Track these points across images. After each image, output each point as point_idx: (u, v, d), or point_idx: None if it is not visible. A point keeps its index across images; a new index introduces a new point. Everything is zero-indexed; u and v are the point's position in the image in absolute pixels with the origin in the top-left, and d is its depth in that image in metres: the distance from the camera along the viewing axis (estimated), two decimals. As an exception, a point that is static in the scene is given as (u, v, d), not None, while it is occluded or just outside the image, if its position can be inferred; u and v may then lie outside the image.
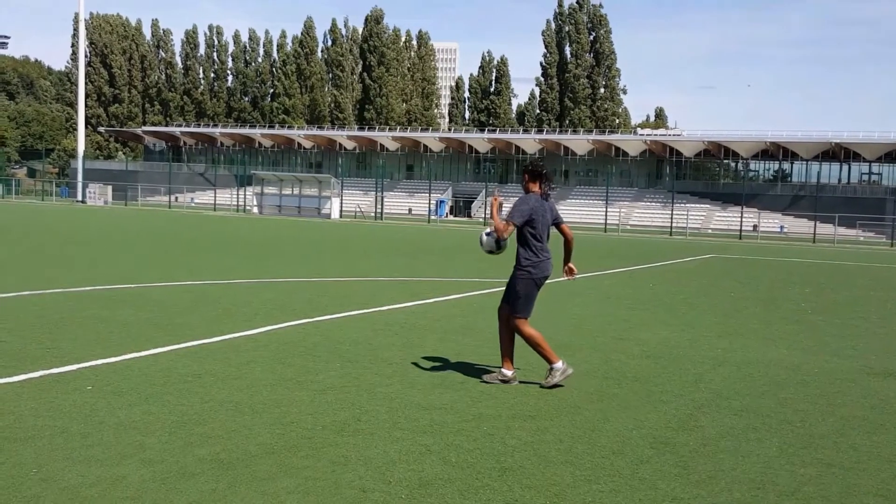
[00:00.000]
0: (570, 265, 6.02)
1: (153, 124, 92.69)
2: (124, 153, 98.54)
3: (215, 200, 60.99)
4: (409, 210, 70.70)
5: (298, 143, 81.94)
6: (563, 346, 7.02)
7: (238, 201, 56.29)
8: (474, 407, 4.98)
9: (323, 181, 52.58)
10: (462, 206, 73.21)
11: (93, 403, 4.59)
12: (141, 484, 3.33)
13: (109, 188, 62.29)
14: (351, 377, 5.60)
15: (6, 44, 79.62)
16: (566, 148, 73.53)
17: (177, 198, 68.61)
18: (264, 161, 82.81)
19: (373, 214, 53.50)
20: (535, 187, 5.66)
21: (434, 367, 6.10)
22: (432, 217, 53.90)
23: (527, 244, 5.59)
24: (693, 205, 64.01)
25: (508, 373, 5.69)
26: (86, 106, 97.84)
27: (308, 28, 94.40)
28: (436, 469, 3.74)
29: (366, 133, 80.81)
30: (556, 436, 4.37)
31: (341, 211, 52.17)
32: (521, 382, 5.74)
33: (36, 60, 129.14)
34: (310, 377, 5.53)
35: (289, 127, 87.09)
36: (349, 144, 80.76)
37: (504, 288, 5.79)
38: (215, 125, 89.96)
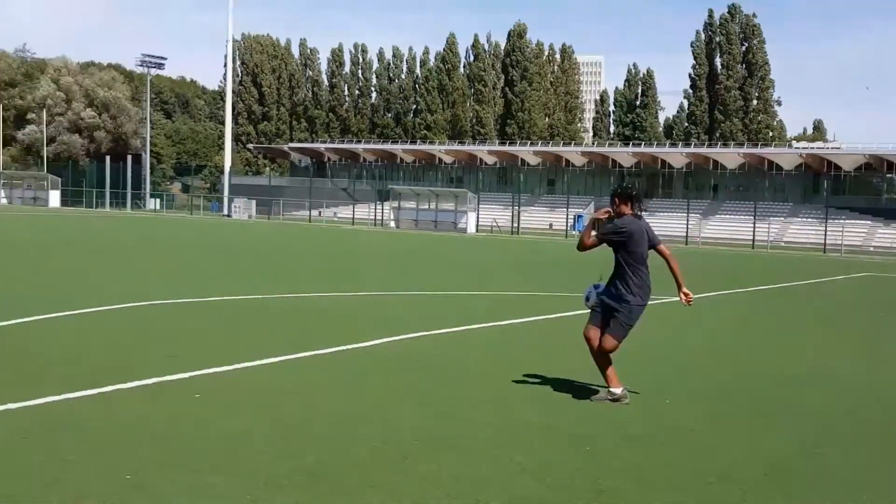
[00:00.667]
0: (685, 290, 5.79)
1: (300, 141, 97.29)
2: (272, 169, 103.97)
3: (354, 215, 62.04)
4: (550, 225, 70.29)
5: (439, 159, 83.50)
6: (689, 365, 6.73)
7: (377, 215, 57.49)
8: (580, 426, 4.86)
9: (459, 196, 53.14)
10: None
11: (198, 412, 4.82)
12: (227, 493, 3.44)
13: (253, 203, 65.48)
14: (457, 392, 5.61)
15: (163, 65, 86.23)
16: (715, 162, 71.08)
17: (320, 212, 71.08)
18: (405, 176, 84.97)
19: (509, 229, 53.46)
20: (627, 209, 5.60)
21: (543, 384, 6.01)
22: (571, 232, 53.06)
23: (635, 269, 5.46)
24: (852, 221, 59.95)
25: (617, 390, 5.52)
26: (236, 124, 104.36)
27: (450, 44, 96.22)
28: (528, 489, 3.66)
29: (506, 148, 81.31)
30: (663, 459, 4.19)
31: (477, 225, 52.31)
32: (631, 402, 5.54)
33: (191, 80, 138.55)
34: (417, 391, 5.58)
35: (430, 142, 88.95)
36: (490, 159, 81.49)
37: (592, 312, 5.63)
38: (358, 141, 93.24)
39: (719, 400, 5.72)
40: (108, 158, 67.45)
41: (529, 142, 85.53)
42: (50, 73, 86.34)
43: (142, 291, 10.55)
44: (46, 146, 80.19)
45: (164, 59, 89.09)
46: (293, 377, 5.85)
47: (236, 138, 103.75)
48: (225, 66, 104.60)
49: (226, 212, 63.38)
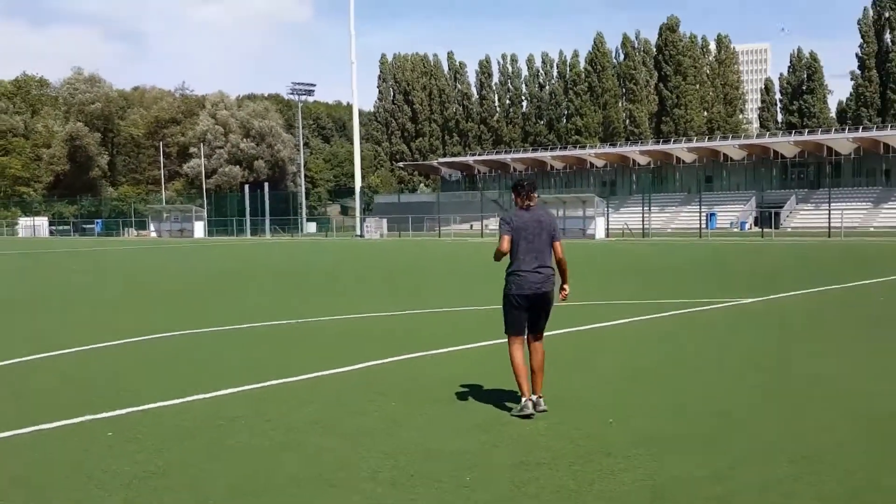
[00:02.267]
0: (564, 286, 6.43)
1: (453, 155, 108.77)
2: (426, 185, 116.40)
3: (483, 227, 67.52)
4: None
5: (590, 163, 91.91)
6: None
7: None
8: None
9: (586, 200, 58.33)
10: (767, 217, 75.87)
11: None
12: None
13: (384, 221, 71.64)
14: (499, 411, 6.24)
15: (312, 91, 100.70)
16: (887, 145, 74.25)
17: (471, 225, 78.07)
18: (556, 183, 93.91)
19: (640, 232, 57.03)
20: (519, 201, 6.28)
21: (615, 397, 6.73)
22: (705, 231, 56.12)
23: (511, 260, 6.11)
24: None
25: (523, 399, 6.03)
26: (390, 143, 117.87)
27: (598, 44, 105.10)
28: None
29: (660, 147, 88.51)
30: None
31: (607, 230, 57.19)
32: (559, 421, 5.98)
33: (347, 104, 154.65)
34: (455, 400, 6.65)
35: (581, 147, 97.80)
36: (642, 160, 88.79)
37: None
38: (509, 151, 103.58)
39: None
40: (246, 187, 77.84)
41: (685, 138, 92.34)
42: (208, 108, 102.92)
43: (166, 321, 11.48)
44: (208, 178, 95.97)
45: (314, 85, 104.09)
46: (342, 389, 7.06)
47: (391, 157, 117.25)
48: (380, 87, 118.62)
49: (358, 232, 67.89)
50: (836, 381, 7.43)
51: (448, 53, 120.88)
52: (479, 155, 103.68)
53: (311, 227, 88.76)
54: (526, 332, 6.21)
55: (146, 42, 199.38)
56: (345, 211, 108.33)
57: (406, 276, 22.69)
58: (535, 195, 6.36)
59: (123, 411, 6.62)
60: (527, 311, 6.10)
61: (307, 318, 12.25)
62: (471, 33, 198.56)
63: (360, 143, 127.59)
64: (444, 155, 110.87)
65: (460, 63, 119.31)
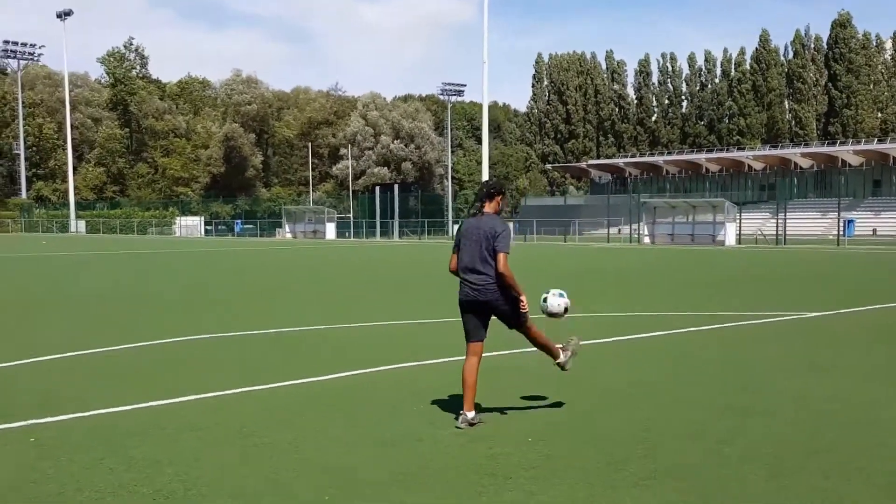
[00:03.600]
0: (520, 298, 6.72)
1: (606, 157, 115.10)
2: (577, 188, 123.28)
3: (608, 232, 69.77)
4: (874, 231, 77.64)
5: (748, 166, 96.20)
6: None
7: (642, 231, 62.93)
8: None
9: (717, 206, 57.99)
10: None
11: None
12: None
13: (510, 225, 77.39)
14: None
15: (462, 92, 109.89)
16: None
17: (619, 230, 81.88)
18: (711, 186, 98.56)
19: (774, 238, 57.39)
20: (477, 205, 6.85)
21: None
22: (842, 237, 56.65)
23: None
24: None
25: (469, 414, 6.57)
26: (543, 143, 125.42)
27: (763, 42, 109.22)
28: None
29: (823, 149, 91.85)
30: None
31: (739, 236, 56.75)
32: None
33: (504, 105, 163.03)
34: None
35: (740, 148, 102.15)
36: (805, 162, 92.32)
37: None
38: (661, 153, 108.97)
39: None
40: (377, 189, 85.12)
41: (851, 140, 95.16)
42: (359, 109, 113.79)
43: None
44: (357, 179, 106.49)
45: (464, 86, 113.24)
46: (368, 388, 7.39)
47: (543, 158, 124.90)
48: (535, 87, 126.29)
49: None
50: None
51: (606, 52, 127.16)
52: (632, 157, 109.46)
53: (453, 230, 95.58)
54: (477, 339, 6.63)
55: (313, 43, 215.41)
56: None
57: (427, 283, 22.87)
58: (498, 200, 6.76)
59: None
60: (470, 317, 6.62)
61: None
62: (630, 32, 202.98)
63: (508, 145, 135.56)
64: (598, 157, 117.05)
65: (619, 62, 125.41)
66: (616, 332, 12.21)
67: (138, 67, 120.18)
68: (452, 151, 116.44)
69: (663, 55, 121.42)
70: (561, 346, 7.12)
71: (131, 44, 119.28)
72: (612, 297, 18.59)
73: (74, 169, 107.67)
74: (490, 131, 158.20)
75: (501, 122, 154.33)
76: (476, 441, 6.33)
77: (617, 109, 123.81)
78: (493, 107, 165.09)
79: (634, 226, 68.53)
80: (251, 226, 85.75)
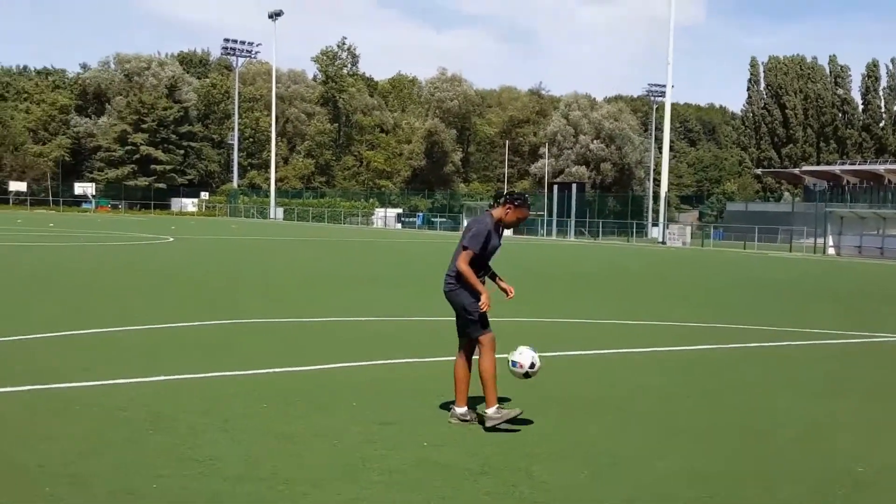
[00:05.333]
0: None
1: (827, 163, 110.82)
2: (793, 194, 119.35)
3: (791, 242, 66.96)
4: None
5: None
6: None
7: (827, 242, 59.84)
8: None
9: None
10: None
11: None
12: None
13: (688, 229, 73.88)
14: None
15: (664, 93, 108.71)
16: None
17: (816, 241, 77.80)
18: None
19: None
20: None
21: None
22: None
23: None
24: None
25: (459, 410, 6.85)
26: (758, 148, 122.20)
27: None
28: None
29: None
30: None
31: None
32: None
33: (720, 106, 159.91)
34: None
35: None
36: None
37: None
38: (886, 161, 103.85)
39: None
40: (555, 188, 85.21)
41: None
42: (561, 109, 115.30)
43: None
44: (556, 178, 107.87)
45: (672, 87, 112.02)
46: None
47: (757, 163, 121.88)
48: (750, 90, 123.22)
49: (660, 238, 69.30)
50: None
51: (830, 57, 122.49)
52: (851, 164, 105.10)
53: (656, 232, 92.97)
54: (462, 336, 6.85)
55: (526, 43, 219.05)
56: (701, 217, 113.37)
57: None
58: (506, 209, 6.83)
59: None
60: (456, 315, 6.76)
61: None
62: (855, 36, 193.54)
63: (723, 148, 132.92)
64: (818, 163, 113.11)
65: (842, 67, 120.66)
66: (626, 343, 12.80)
67: (349, 66, 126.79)
68: (648, 155, 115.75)
69: (893, 60, 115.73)
70: (500, 405, 6.75)
71: (343, 43, 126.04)
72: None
73: (286, 160, 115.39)
74: (705, 133, 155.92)
75: (717, 124, 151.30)
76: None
77: (840, 115, 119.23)
78: (710, 109, 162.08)
79: (820, 238, 65.87)
80: (444, 218, 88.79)
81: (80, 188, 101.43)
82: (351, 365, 9.38)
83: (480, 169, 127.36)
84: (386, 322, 13.33)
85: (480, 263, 6.78)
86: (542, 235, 75.39)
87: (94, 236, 39.48)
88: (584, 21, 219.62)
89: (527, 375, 6.83)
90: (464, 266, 6.61)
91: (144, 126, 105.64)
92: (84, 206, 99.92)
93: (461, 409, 6.79)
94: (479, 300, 6.61)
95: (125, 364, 8.94)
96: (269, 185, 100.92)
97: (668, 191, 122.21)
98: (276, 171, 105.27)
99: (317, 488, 5.27)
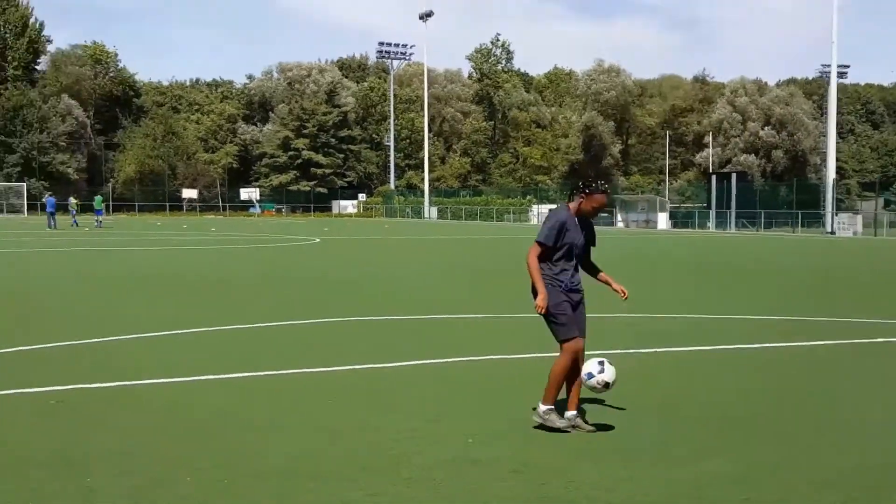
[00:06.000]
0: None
1: None
2: None
3: None
4: None
5: None
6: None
7: None
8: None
9: None
10: None
11: None
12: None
13: (858, 218, 70.22)
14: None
15: (845, 74, 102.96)
16: None
17: None
18: None
19: None
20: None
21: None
22: None
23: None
24: None
25: (542, 407, 6.54)
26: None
27: None
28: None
29: None
30: None
31: None
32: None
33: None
34: None
35: None
36: None
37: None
38: None
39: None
40: (713, 178, 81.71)
41: None
42: (727, 96, 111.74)
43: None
44: (722, 167, 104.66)
45: (846, 66, 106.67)
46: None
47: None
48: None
49: (829, 228, 65.94)
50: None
51: None
52: None
53: (843, 220, 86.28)
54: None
55: (693, 30, 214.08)
56: (887, 204, 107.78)
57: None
58: (579, 201, 6.56)
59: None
60: None
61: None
62: None
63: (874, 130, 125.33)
64: None
65: None
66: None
67: (503, 62, 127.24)
68: (842, 137, 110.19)
69: None
70: (554, 410, 6.51)
71: (497, 39, 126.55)
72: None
73: (442, 159, 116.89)
74: (889, 115, 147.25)
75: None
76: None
77: None
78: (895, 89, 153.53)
79: None
80: (603, 214, 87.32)
81: (245, 193, 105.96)
82: (437, 362, 9.52)
83: (641, 161, 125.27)
84: (497, 319, 13.40)
85: (567, 259, 6.51)
86: (707, 228, 73.43)
87: (248, 239, 41.21)
88: (755, 2, 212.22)
89: (605, 387, 6.47)
90: (530, 260, 6.44)
91: (305, 132, 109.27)
92: (251, 210, 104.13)
93: (569, 413, 6.55)
94: (555, 301, 6.40)
95: (212, 361, 9.36)
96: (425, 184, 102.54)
97: (848, 178, 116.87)
98: (432, 171, 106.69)
99: (341, 483, 5.37)
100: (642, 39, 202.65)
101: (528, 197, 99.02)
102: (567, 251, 6.47)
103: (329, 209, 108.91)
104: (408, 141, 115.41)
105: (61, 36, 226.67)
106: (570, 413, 6.50)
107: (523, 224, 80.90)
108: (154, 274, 21.22)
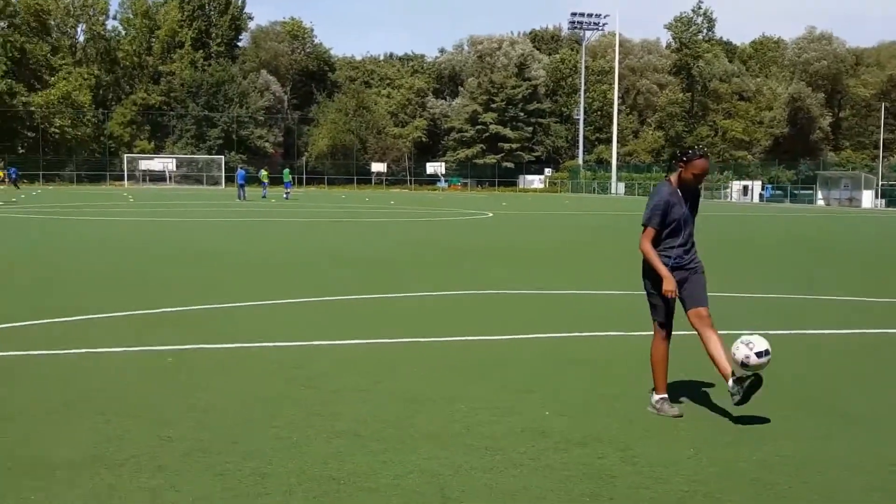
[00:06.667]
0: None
1: None
2: None
3: None
4: None
5: None
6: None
7: None
8: None
9: None
10: None
11: None
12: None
13: None
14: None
15: None
16: None
17: None
18: None
19: None
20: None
21: None
22: None
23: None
24: None
25: (654, 397, 6.42)
26: None
27: None
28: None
29: None
30: None
31: None
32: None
33: None
34: None
35: None
36: None
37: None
38: None
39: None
40: None
41: None
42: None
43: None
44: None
45: None
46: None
47: None
48: None
49: None
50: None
51: None
52: None
53: None
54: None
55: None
56: None
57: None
58: (679, 172, 6.28)
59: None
60: None
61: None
62: None
63: None
64: None
65: None
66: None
67: (705, 31, 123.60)
68: None
69: None
70: (666, 400, 6.40)
71: (699, 7, 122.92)
72: None
73: (636, 133, 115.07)
74: None
75: None
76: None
77: None
78: None
79: None
80: (807, 190, 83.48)
81: (431, 168, 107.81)
82: (555, 336, 9.50)
83: (853, 135, 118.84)
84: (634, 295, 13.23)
85: (674, 236, 6.25)
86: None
87: (419, 213, 41.95)
88: None
89: (751, 362, 5.99)
90: (644, 246, 6.25)
91: (494, 105, 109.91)
92: (438, 185, 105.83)
93: (656, 397, 6.38)
94: (657, 280, 6.25)
95: (331, 328, 9.74)
96: (618, 159, 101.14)
97: None
98: (624, 145, 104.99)
99: (401, 447, 5.53)
100: (858, 4, 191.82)
101: (726, 173, 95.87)
102: (674, 229, 6.23)
103: (514, 184, 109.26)
104: (599, 114, 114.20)
105: (261, 12, 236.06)
106: (657, 397, 6.36)
107: (716, 202, 78.15)
108: (312, 249, 21.96)
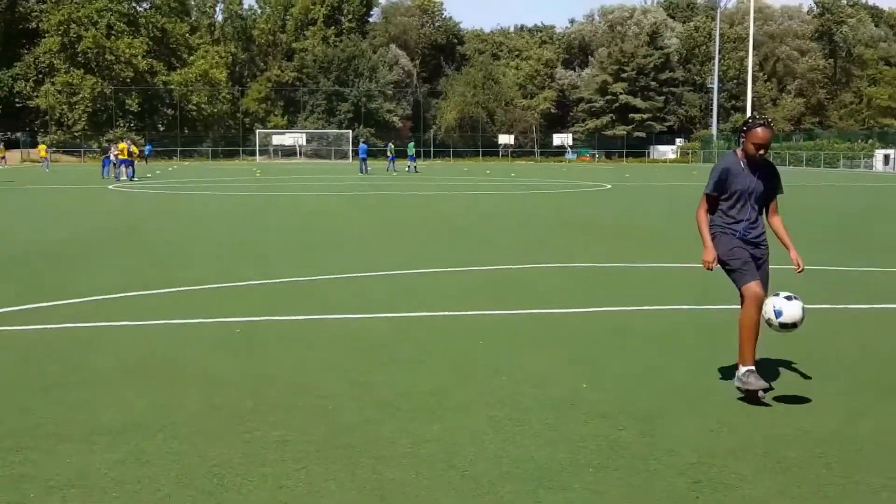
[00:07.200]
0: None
1: None
2: None
3: None
4: None
5: None
6: None
7: None
8: None
9: None
10: None
11: None
12: None
13: None
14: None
15: None
16: None
17: None
18: None
19: None
20: None
21: None
22: None
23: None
24: None
25: (741, 369, 6.06)
26: None
27: None
28: None
29: None
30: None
31: None
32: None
33: None
34: None
35: None
36: None
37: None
38: None
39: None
40: None
41: None
42: None
43: None
44: None
45: None
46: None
47: None
48: None
49: None
50: None
51: None
52: None
53: None
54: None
55: None
56: None
57: None
58: (744, 143, 6.23)
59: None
60: None
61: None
62: None
63: None
64: None
65: None
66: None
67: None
68: None
69: None
70: (753, 372, 5.99)
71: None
72: None
73: (774, 101, 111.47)
74: None
75: None
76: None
77: None
78: None
79: None
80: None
81: (558, 139, 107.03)
82: (623, 309, 9.57)
83: None
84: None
85: (741, 209, 6.12)
86: None
87: (536, 185, 41.80)
88: None
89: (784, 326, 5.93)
90: (699, 212, 6.26)
91: (624, 75, 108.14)
92: (566, 156, 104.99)
93: (743, 369, 6.00)
94: (727, 248, 6.11)
95: (421, 302, 10.07)
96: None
97: None
98: (762, 114, 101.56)
99: (428, 416, 5.77)
100: None
101: (871, 141, 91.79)
102: (738, 199, 6.11)
103: (644, 154, 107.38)
104: (735, 82, 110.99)
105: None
106: (744, 369, 5.98)
107: (856, 171, 75.11)
108: (416, 217, 22.32)
